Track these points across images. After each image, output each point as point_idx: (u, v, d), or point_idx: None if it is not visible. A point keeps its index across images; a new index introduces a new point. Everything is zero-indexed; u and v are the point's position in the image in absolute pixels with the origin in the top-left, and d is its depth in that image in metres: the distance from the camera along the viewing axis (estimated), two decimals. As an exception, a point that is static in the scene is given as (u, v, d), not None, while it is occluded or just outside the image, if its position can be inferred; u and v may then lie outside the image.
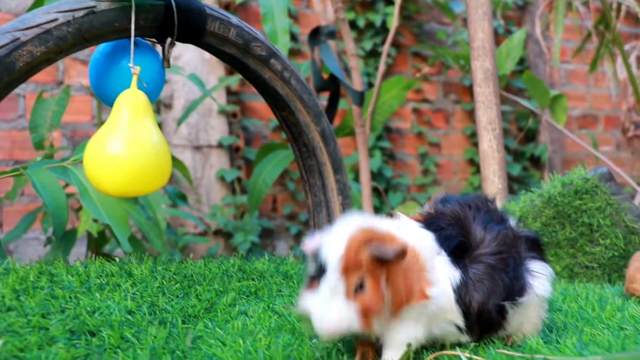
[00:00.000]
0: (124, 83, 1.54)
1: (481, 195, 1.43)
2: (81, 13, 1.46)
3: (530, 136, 4.96)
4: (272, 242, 4.12)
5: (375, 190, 4.08)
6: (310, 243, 1.19)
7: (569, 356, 1.21)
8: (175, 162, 3.08)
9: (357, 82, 2.85)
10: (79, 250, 3.37)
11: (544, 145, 4.79)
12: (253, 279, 1.64)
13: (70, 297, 1.33)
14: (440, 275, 1.23)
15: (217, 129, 3.94)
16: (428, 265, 1.21)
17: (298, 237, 4.11)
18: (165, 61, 1.62)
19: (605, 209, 2.04)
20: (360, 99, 2.81)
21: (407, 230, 1.26)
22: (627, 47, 4.16)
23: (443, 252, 1.26)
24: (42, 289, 1.34)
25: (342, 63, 2.96)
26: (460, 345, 1.28)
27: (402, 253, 1.12)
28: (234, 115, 4.01)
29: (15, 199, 2.98)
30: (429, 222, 1.32)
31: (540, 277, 1.36)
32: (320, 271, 1.14)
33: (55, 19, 1.44)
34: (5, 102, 2.74)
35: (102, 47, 1.61)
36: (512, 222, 1.42)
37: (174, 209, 3.39)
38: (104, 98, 1.61)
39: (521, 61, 4.86)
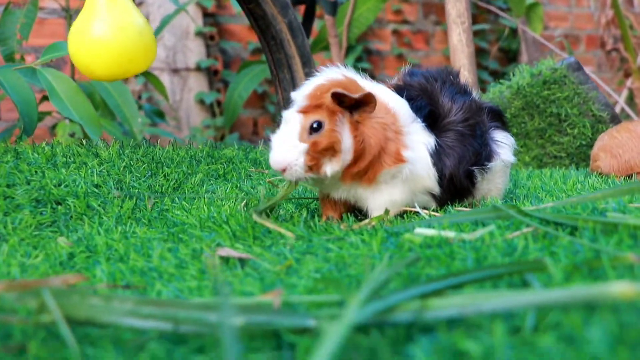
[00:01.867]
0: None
1: (445, 69, 1.45)
2: None
3: (512, 57, 4.95)
4: (254, 165, 4.13)
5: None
6: (294, 92, 1.22)
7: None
8: (152, 78, 3.08)
9: (329, -9, 2.83)
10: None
11: (524, 65, 4.78)
12: (222, 163, 1.66)
13: (35, 172, 1.35)
14: (417, 141, 1.25)
15: (194, 52, 3.91)
16: (405, 130, 1.23)
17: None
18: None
19: (573, 98, 2.06)
20: (332, 8, 2.79)
21: (386, 94, 1.28)
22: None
23: (418, 120, 1.28)
24: (7, 163, 1.35)
25: (316, -25, 2.92)
26: (425, 209, 1.31)
27: (367, 97, 1.14)
28: (212, 37, 3.98)
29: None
30: (399, 94, 1.34)
31: (504, 146, 1.40)
32: None
33: None
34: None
35: None
36: (475, 94, 1.45)
37: (154, 128, 3.39)
38: None
39: (501, -20, 4.82)
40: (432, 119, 1.30)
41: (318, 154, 1.12)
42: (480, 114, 1.38)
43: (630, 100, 4.21)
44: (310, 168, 1.13)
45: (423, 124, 1.28)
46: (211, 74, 3.98)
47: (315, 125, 1.13)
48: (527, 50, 4.64)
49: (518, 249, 0.91)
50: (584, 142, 2.07)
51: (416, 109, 1.30)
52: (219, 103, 3.94)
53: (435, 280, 0.70)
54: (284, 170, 1.14)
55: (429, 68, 1.46)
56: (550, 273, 0.75)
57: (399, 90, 1.35)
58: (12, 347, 0.69)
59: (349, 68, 1.25)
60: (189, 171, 1.56)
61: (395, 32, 4.58)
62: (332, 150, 1.13)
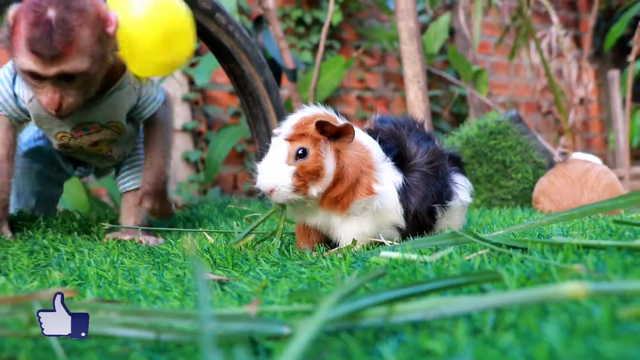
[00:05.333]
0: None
1: (411, 118, 1.46)
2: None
3: (461, 119, 5.01)
4: (234, 215, 4.09)
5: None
6: (278, 128, 1.21)
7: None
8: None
9: (288, 62, 2.84)
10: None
11: (472, 118, 4.84)
12: (198, 219, 1.62)
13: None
14: (387, 178, 1.24)
15: (181, 115, 3.90)
16: (377, 166, 1.23)
17: (257, 210, 4.09)
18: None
19: (516, 147, 2.07)
20: (293, 76, 2.81)
21: (361, 133, 1.28)
22: (538, 34, 4.24)
23: (388, 159, 1.27)
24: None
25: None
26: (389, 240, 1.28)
27: (347, 127, 1.13)
28: (196, 102, 3.98)
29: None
30: (371, 137, 1.34)
31: (462, 188, 1.40)
32: None
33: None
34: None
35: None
36: (437, 141, 1.45)
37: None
38: None
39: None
40: (400, 160, 1.30)
41: (305, 176, 1.11)
42: (442, 158, 1.38)
43: (565, 155, 4.27)
44: (297, 189, 1.12)
45: (392, 164, 1.27)
46: (195, 135, 3.96)
47: (300, 152, 1.12)
48: (475, 113, 4.71)
49: (475, 268, 0.89)
50: (527, 186, 2.07)
51: (386, 150, 1.29)
52: (202, 160, 3.92)
53: (401, 287, 0.67)
54: (271, 191, 1.12)
55: (397, 117, 1.47)
56: (505, 283, 0.73)
57: (371, 133, 1.34)
58: (3, 359, 0.64)
59: (328, 108, 1.25)
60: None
61: (359, 98, 4.63)
62: (316, 173, 1.12)
